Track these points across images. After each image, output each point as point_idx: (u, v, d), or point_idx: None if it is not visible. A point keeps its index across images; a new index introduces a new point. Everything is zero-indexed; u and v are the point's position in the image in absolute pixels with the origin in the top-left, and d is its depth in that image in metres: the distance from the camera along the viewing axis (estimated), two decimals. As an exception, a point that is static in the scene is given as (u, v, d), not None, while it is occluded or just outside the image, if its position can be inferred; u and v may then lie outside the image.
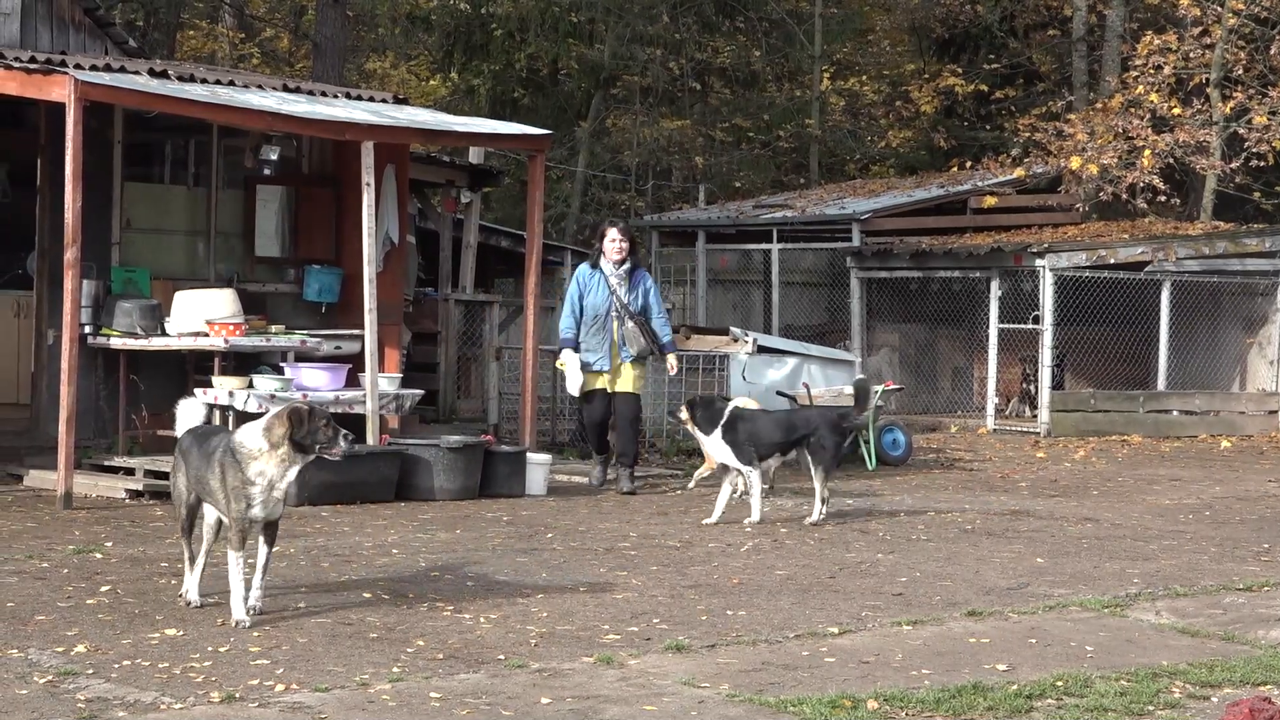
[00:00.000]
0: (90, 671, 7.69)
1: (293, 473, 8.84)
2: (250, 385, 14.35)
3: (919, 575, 10.95)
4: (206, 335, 14.81)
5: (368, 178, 14.64)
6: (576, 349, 15.31)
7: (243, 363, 15.13)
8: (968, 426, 23.11)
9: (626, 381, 15.37)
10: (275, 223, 16.96)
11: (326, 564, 10.80)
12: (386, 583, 10.02)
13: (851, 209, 26.54)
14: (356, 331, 15.37)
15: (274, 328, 15.54)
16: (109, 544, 11.39)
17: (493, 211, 30.19)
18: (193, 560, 9.21)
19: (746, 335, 19.30)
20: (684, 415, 13.68)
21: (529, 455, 14.97)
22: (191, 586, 9.22)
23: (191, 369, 15.43)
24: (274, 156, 16.37)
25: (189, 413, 9.55)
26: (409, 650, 8.27)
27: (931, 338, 26.06)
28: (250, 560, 9.01)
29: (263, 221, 16.85)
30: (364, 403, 14.62)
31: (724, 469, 13.58)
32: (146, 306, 15.25)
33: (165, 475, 14.22)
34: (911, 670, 8.09)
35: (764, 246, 27.09)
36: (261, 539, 8.95)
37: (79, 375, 13.63)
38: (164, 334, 15.10)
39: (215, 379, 14.46)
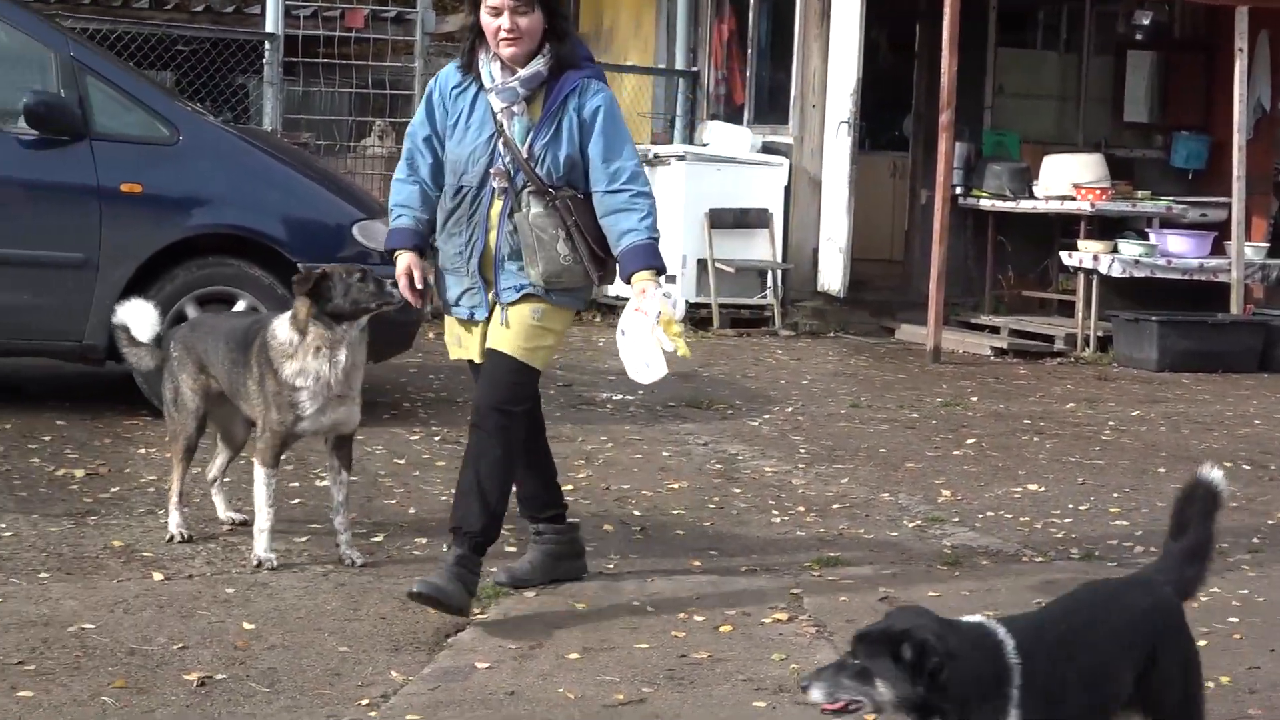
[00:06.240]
0: (955, 520, 8.01)
1: (343, 357, 6.54)
2: (1115, 250, 14.50)
3: None
4: (1073, 199, 15.03)
5: (1240, 43, 14.41)
6: (420, 249, 6.38)
7: (1108, 227, 15.25)
8: None
9: (503, 337, 6.30)
10: (1144, 88, 16.95)
11: (1186, 430, 10.87)
12: (1247, 452, 9.99)
13: None
14: (1223, 199, 15.19)
15: (1140, 193, 15.57)
16: (974, 398, 11.81)
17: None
18: (182, 495, 7.05)
19: None
20: None
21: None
22: (177, 521, 7.04)
23: (1057, 232, 15.69)
24: (1146, 22, 16.34)
25: (134, 315, 7.14)
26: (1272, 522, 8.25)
27: None
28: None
29: (1132, 87, 16.88)
30: (1229, 271, 14.49)
31: None
32: (1015, 169, 15.62)
33: (1029, 335, 14.63)
34: None
35: None
36: (335, 459, 6.80)
37: (949, 235, 14.12)
38: (1031, 197, 15.43)
39: (1080, 242, 14.68)
